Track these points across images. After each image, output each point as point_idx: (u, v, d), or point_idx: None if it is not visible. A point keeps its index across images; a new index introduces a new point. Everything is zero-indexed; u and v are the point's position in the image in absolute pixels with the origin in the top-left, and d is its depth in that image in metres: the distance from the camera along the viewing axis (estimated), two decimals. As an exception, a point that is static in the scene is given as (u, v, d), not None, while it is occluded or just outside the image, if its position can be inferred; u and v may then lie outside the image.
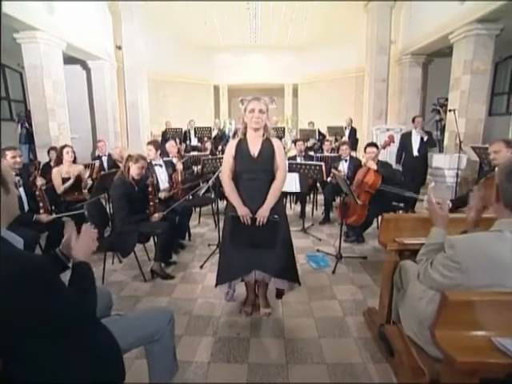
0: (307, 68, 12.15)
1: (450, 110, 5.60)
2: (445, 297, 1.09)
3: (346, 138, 7.77)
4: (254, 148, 2.19)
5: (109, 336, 1.18)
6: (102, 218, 3.22)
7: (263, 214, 2.11)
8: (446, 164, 5.60)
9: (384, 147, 3.84)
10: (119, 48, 8.73)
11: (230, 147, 2.26)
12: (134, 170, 3.03)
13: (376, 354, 1.99)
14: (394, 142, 3.97)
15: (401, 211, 4.01)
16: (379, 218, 3.76)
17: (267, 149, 2.20)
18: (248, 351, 2.05)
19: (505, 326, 1.11)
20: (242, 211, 2.14)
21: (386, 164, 3.91)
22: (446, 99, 7.29)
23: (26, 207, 3.21)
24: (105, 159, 5.81)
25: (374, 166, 3.62)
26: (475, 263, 1.14)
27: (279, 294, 2.50)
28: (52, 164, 4.50)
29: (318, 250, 3.61)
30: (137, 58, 8.65)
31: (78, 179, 4.02)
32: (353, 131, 8.30)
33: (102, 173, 4.43)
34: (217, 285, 2.32)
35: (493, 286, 1.12)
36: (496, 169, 2.57)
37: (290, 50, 12.19)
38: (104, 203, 3.81)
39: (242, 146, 2.22)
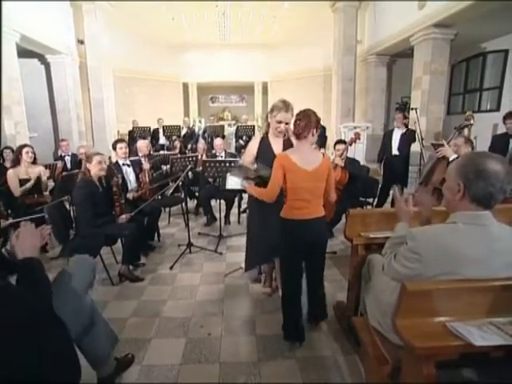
0: (277, 66, 12.26)
1: (412, 109, 5.87)
2: (404, 287, 1.14)
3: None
4: (278, 148, 2.30)
5: (64, 330, 1.15)
6: (65, 221, 3.07)
7: None
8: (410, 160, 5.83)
9: (350, 144, 3.96)
10: (81, 42, 8.32)
11: (253, 145, 2.37)
12: (94, 169, 2.92)
13: (345, 346, 2.06)
14: (359, 139, 4.11)
15: (368, 206, 4.15)
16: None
17: (286, 146, 2.30)
18: (220, 351, 2.04)
19: (458, 312, 1.19)
20: None
21: (354, 160, 4.03)
22: (409, 98, 7.64)
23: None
24: (68, 159, 5.54)
25: (340, 163, 3.71)
26: (433, 253, 1.21)
27: None
28: (8, 165, 4.20)
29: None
30: (101, 54, 8.28)
31: (38, 181, 3.79)
32: (322, 129, 8.47)
33: (65, 173, 4.21)
34: (246, 270, 2.67)
35: (447, 274, 1.19)
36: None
37: (259, 49, 12.24)
38: (68, 206, 3.63)
39: (264, 145, 2.31)
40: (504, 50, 7.10)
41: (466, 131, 6.28)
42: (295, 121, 1.93)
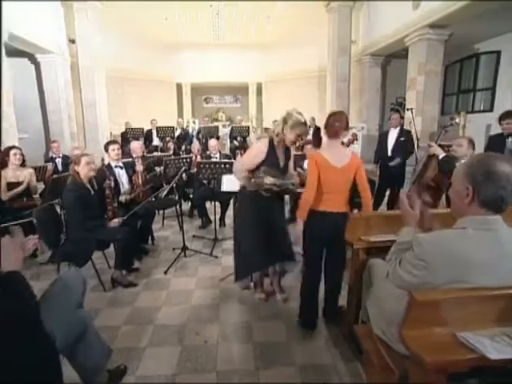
0: (271, 67, 12.22)
1: (407, 109, 5.86)
2: (413, 298, 1.08)
3: (310, 137, 7.87)
4: (281, 157, 2.36)
5: (47, 338, 1.12)
6: (56, 226, 2.96)
7: None
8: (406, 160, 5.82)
9: (348, 145, 3.91)
10: (72, 42, 8.16)
11: (261, 150, 2.29)
12: (83, 170, 2.82)
13: (346, 353, 2.00)
14: (357, 139, 4.07)
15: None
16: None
17: (286, 156, 2.40)
18: (216, 359, 1.97)
19: (467, 321, 1.14)
20: None
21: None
22: (404, 98, 7.65)
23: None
24: (59, 161, 5.40)
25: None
26: (440, 260, 1.15)
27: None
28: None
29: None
30: (93, 54, 8.13)
31: (27, 185, 3.67)
32: (317, 130, 8.44)
33: (55, 176, 4.09)
34: (237, 280, 2.49)
35: (456, 282, 1.14)
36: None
37: (253, 49, 12.18)
38: (59, 209, 3.53)
39: (271, 154, 2.30)
40: (496, 51, 7.15)
41: (460, 131, 6.32)
42: (332, 121, 2.02)
